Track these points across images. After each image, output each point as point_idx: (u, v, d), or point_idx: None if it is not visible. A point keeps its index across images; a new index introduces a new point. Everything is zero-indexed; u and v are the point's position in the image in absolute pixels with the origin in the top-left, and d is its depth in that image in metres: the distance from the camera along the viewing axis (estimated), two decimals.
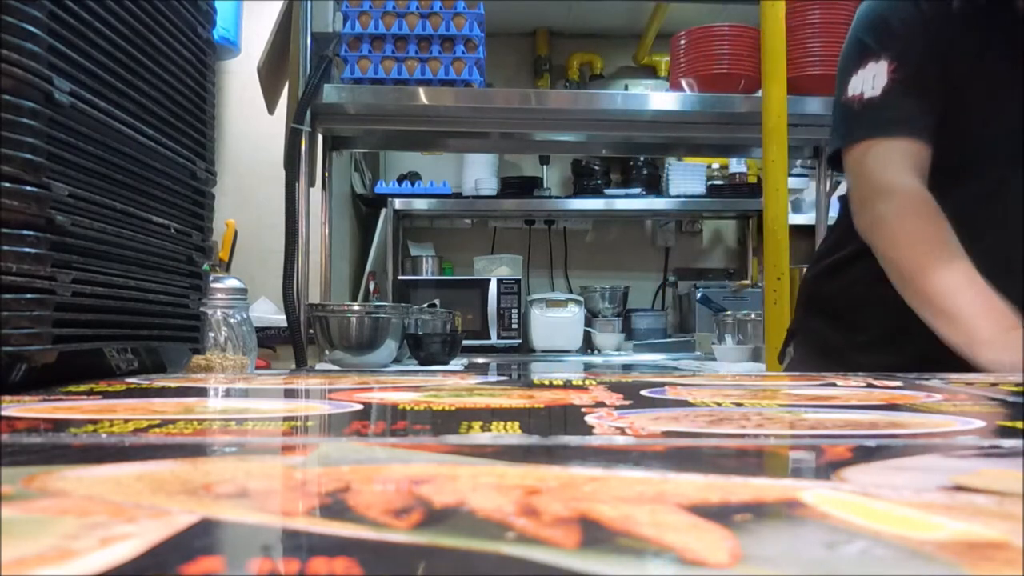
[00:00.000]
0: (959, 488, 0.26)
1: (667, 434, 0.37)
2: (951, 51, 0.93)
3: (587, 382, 0.65)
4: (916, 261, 0.90)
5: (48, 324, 0.58)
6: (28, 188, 0.56)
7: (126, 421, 0.39)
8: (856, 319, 1.06)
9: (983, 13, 0.93)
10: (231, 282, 1.21)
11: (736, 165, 3.18)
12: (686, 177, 3.15)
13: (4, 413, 0.43)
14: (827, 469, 0.29)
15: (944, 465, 0.30)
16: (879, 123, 0.93)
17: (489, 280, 2.75)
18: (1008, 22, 0.94)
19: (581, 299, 2.80)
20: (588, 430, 0.38)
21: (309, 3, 1.99)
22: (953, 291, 0.86)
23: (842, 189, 2.71)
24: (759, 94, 1.97)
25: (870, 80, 0.93)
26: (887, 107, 0.93)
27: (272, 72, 2.06)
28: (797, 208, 2.99)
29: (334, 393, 0.56)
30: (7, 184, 0.55)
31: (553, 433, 0.37)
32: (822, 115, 2.10)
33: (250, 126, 2.60)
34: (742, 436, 0.36)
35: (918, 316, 0.91)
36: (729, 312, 2.28)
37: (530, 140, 2.47)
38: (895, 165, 0.92)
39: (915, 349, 0.89)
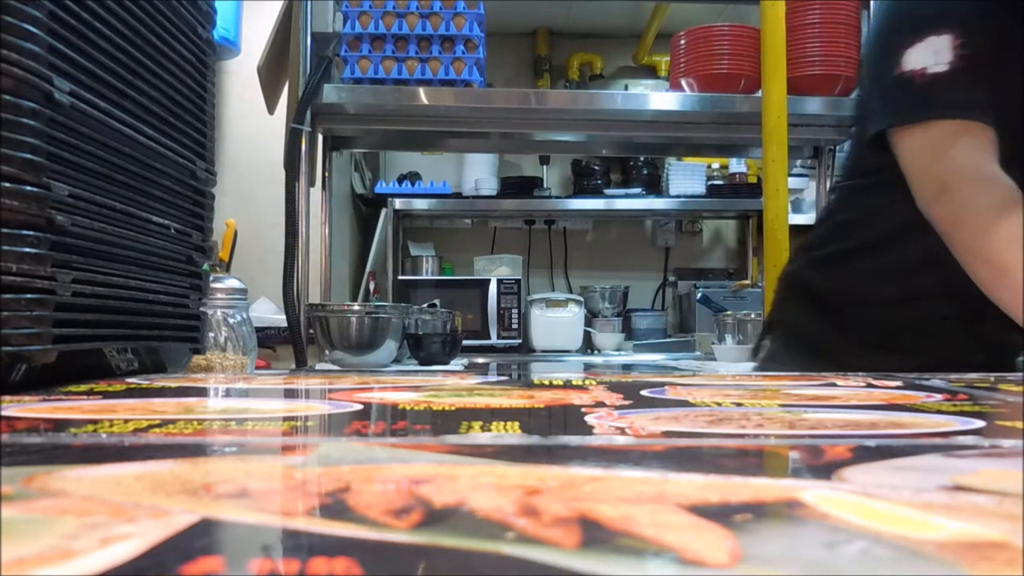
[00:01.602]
0: (959, 488, 0.26)
1: (667, 434, 0.37)
2: (1017, 28, 0.87)
3: (587, 382, 0.65)
4: (1005, 244, 0.81)
5: (48, 324, 0.58)
6: (28, 188, 0.56)
7: (126, 421, 0.39)
8: (853, 318, 1.03)
9: None
10: (231, 282, 1.22)
11: (736, 165, 3.18)
12: (686, 177, 3.15)
13: (4, 413, 0.43)
14: (827, 469, 0.29)
15: (944, 465, 0.30)
16: (954, 104, 0.86)
17: (489, 280, 2.74)
18: None
19: (581, 299, 2.80)
20: (588, 430, 0.38)
21: (309, 3, 1.99)
22: None
23: None
24: (759, 94, 1.97)
25: (931, 55, 0.85)
26: (958, 87, 0.85)
27: (272, 72, 2.06)
28: (797, 208, 2.99)
29: (334, 393, 0.56)
30: (7, 184, 0.55)
31: (553, 433, 0.37)
32: (822, 115, 2.10)
33: (250, 126, 2.59)
34: (742, 436, 0.36)
35: (926, 321, 0.88)
36: (729, 312, 2.28)
37: (530, 140, 2.47)
38: (979, 152, 0.85)
39: (915, 355, 0.87)
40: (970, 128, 0.85)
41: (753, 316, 2.11)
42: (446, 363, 1.67)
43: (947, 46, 0.85)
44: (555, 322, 2.73)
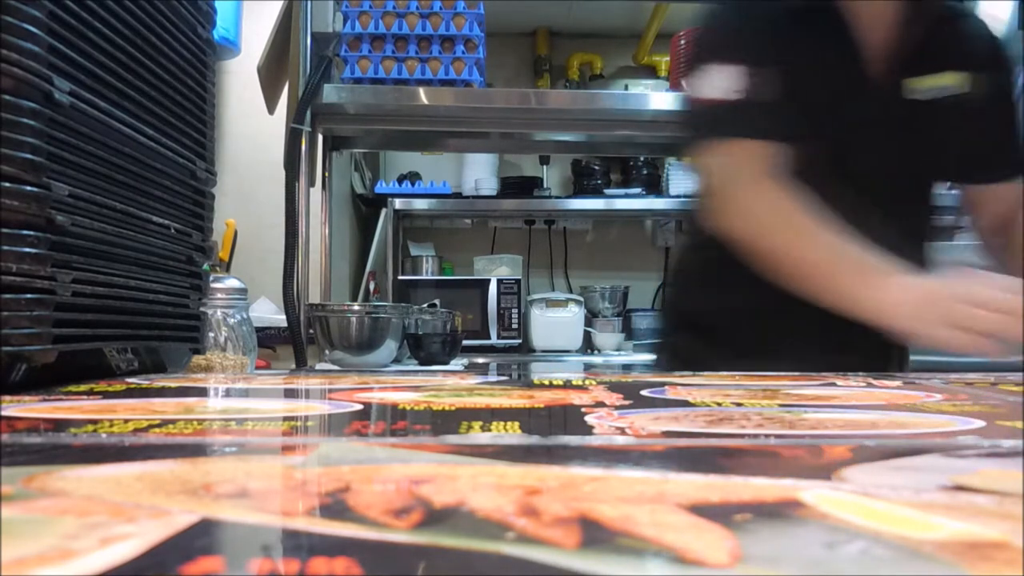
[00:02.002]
0: (959, 488, 0.26)
1: (667, 434, 0.37)
2: (791, 50, 0.94)
3: (587, 382, 0.65)
4: (789, 238, 0.88)
5: (48, 324, 0.58)
6: (28, 188, 0.56)
7: (126, 421, 0.39)
8: (725, 334, 1.05)
9: (810, 12, 0.95)
10: (231, 282, 1.21)
11: None
12: (686, 177, 3.15)
13: (4, 413, 0.43)
14: (827, 469, 0.29)
15: (944, 465, 0.30)
16: (733, 125, 0.93)
17: (489, 280, 2.74)
18: (836, 21, 0.95)
19: (581, 299, 2.80)
20: (588, 430, 0.38)
21: (309, 3, 1.99)
22: (838, 252, 0.85)
23: None
24: None
25: (720, 82, 0.93)
26: (739, 110, 0.92)
27: (272, 72, 2.06)
28: None
29: (334, 393, 0.56)
30: (7, 184, 0.55)
31: (553, 433, 0.37)
32: None
33: (250, 126, 2.59)
34: (742, 436, 0.36)
35: (793, 328, 0.91)
36: None
37: (530, 140, 2.47)
38: (752, 165, 0.91)
39: (797, 361, 0.87)
40: (740, 144, 0.92)
41: None
42: (446, 363, 1.67)
43: (733, 74, 0.92)
44: (555, 322, 2.73)
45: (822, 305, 0.86)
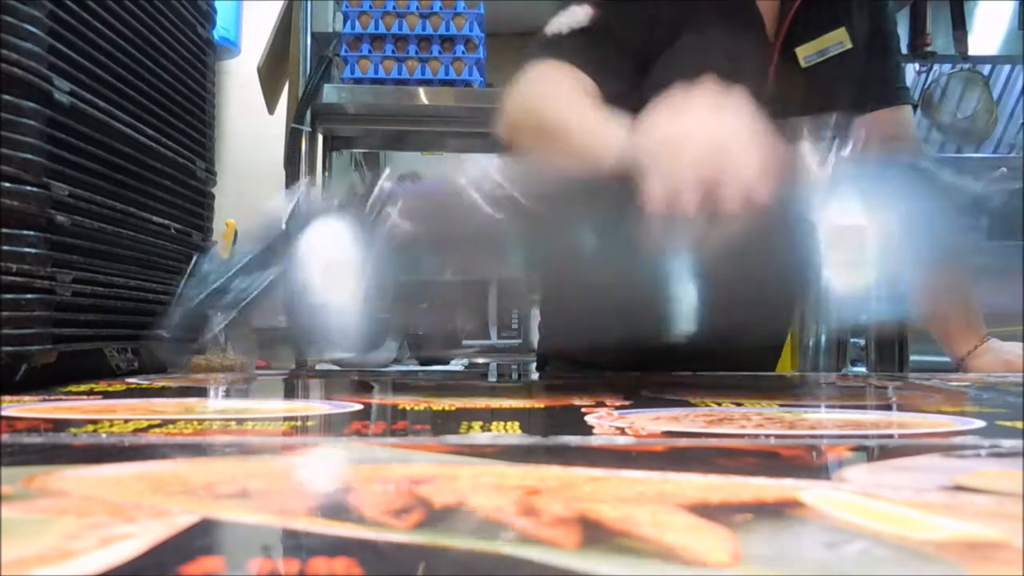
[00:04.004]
0: (959, 488, 0.26)
1: (667, 434, 0.37)
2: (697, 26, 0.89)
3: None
4: (543, 101, 0.80)
5: (48, 324, 0.58)
6: (28, 188, 0.56)
7: (126, 421, 0.39)
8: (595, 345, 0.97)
9: None
10: None
11: None
12: None
13: (4, 413, 0.43)
14: (827, 469, 0.29)
15: (944, 465, 0.30)
16: (551, 49, 0.87)
17: (489, 280, 2.74)
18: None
19: None
20: (588, 430, 0.38)
21: (309, 3, 1.99)
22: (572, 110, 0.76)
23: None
24: None
25: (567, 20, 0.89)
26: (564, 41, 0.87)
27: (272, 72, 2.06)
28: None
29: (334, 393, 0.56)
30: (7, 184, 0.55)
31: (553, 433, 0.37)
32: None
33: (250, 126, 2.59)
34: (742, 436, 0.36)
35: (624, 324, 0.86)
36: None
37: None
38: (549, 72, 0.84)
39: (647, 348, 0.83)
40: (561, 67, 0.84)
41: None
42: (446, 363, 1.67)
43: (583, 14, 0.88)
44: None
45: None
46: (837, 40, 0.94)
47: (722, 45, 0.90)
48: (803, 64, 0.93)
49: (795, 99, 0.85)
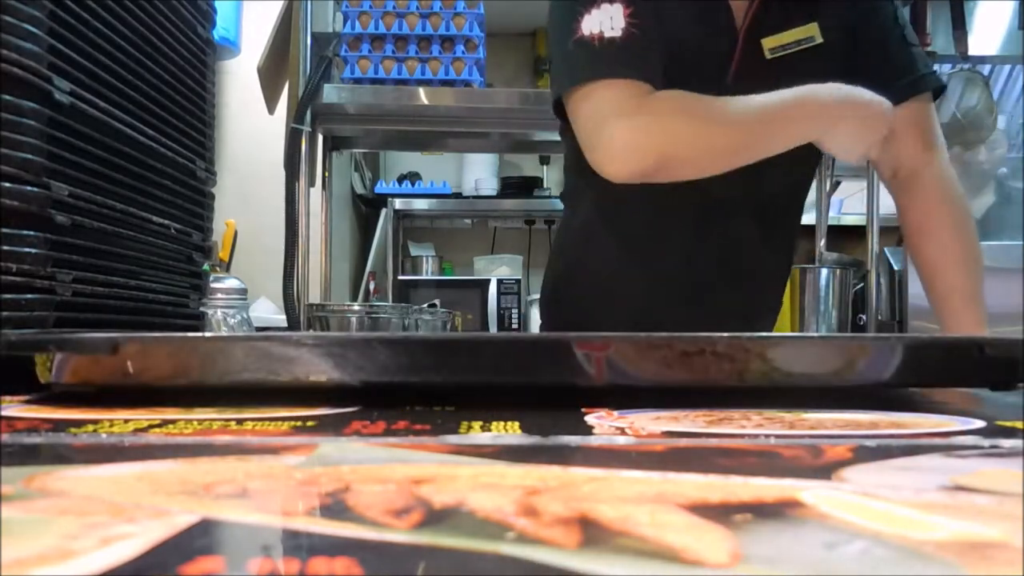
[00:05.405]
0: (959, 488, 0.26)
1: (667, 434, 0.37)
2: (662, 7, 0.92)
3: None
4: (708, 114, 0.85)
5: (48, 324, 0.58)
6: (28, 188, 0.56)
7: (126, 421, 0.39)
8: (605, 309, 1.07)
9: None
10: (231, 282, 1.22)
11: None
12: None
13: (4, 413, 0.43)
14: (827, 469, 0.29)
15: (944, 465, 0.30)
16: (624, 62, 0.88)
17: (489, 280, 2.74)
18: None
19: None
20: (588, 430, 0.38)
21: (309, 3, 1.99)
22: (778, 98, 0.85)
23: (842, 190, 2.70)
24: None
25: (607, 20, 0.89)
26: (631, 48, 0.88)
27: (272, 72, 2.05)
28: None
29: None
30: (7, 184, 0.55)
31: (553, 433, 0.37)
32: None
33: (250, 126, 2.59)
34: (742, 436, 0.36)
35: (669, 296, 0.94)
36: None
37: (530, 140, 2.47)
38: (631, 97, 0.88)
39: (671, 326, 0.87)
40: (635, 87, 0.88)
41: None
42: None
43: (620, 13, 0.89)
44: None
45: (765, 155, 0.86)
46: (807, 35, 0.95)
47: (686, 32, 0.93)
48: (768, 56, 0.94)
49: (759, 90, 0.87)
